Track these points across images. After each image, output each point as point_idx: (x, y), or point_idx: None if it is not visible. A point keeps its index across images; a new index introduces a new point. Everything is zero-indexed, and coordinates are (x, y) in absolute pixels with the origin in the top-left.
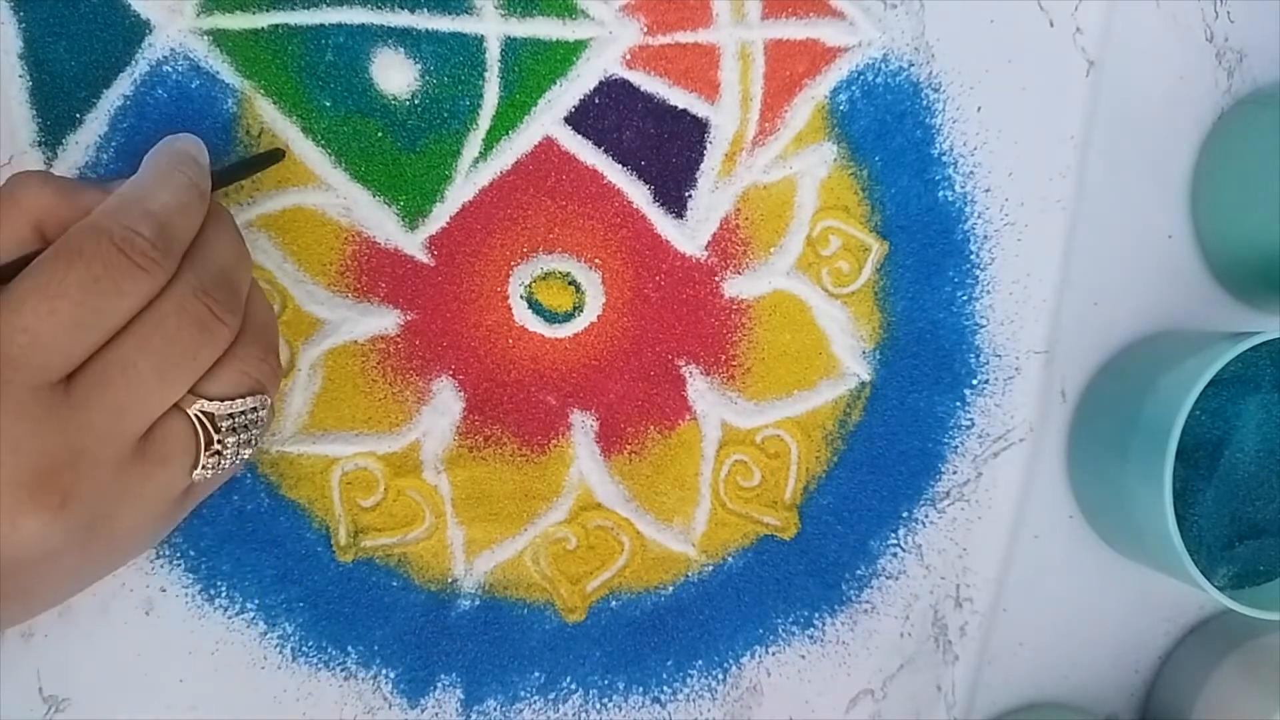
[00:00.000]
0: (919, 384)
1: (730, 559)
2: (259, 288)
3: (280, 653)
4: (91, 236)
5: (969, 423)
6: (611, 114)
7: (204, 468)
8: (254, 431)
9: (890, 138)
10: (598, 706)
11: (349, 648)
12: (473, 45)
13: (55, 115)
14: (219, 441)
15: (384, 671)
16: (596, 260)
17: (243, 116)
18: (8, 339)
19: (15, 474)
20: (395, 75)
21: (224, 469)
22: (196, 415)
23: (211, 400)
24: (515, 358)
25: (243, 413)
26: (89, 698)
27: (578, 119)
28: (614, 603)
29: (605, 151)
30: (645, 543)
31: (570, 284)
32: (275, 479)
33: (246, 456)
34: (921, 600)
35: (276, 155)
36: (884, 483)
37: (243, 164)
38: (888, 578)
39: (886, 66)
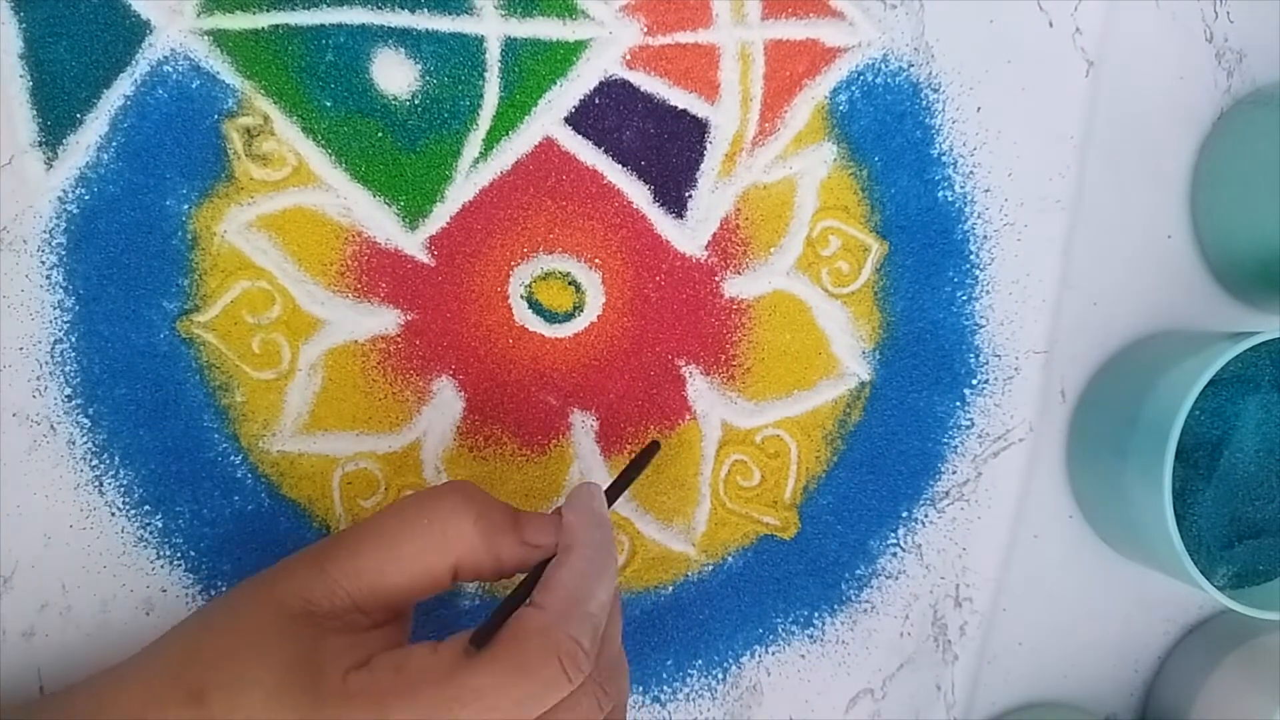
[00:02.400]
0: (919, 384)
1: (730, 559)
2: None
3: None
4: (541, 652)
5: (969, 422)
6: (611, 114)
7: None
8: None
9: (890, 138)
10: None
11: None
12: (473, 45)
13: (55, 115)
14: None
15: None
16: (596, 260)
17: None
18: None
19: None
20: (395, 75)
21: None
22: None
23: None
24: (515, 358)
25: None
26: None
27: (578, 119)
28: None
29: (605, 151)
30: (645, 542)
31: (570, 284)
32: (276, 479)
33: None
34: (921, 600)
35: (654, 448)
36: (884, 482)
37: (627, 473)
38: (887, 577)
39: (886, 67)
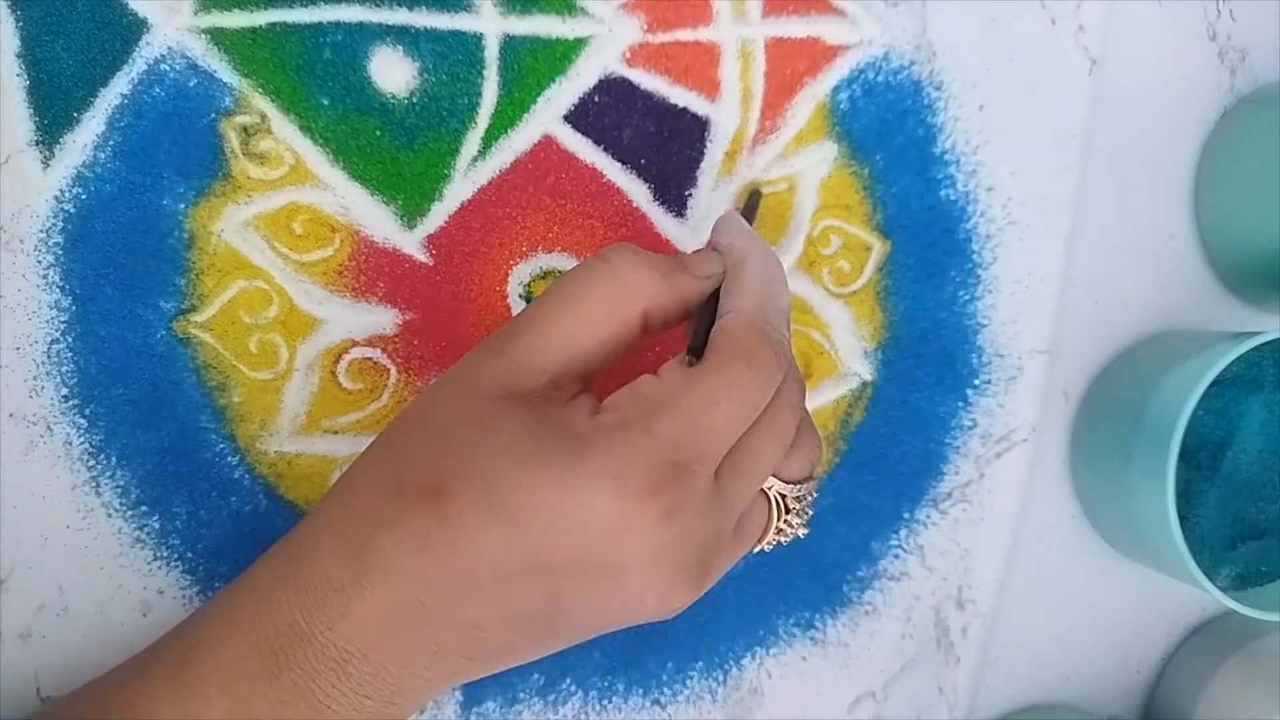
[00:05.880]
0: (921, 384)
1: None
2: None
3: None
4: (759, 341)
5: (971, 423)
6: (611, 112)
7: (765, 544)
8: (808, 514)
9: (891, 136)
10: (597, 708)
11: None
12: (471, 43)
13: (53, 114)
14: (784, 520)
15: None
16: None
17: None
18: (703, 437)
19: (684, 560)
20: (393, 73)
21: (778, 543)
22: (775, 496)
23: (786, 483)
24: None
25: (803, 496)
26: None
27: (577, 117)
28: None
29: (605, 150)
30: None
31: None
32: (273, 479)
33: (799, 534)
34: (923, 601)
35: (755, 199)
36: (886, 483)
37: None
38: (889, 579)
39: (888, 64)
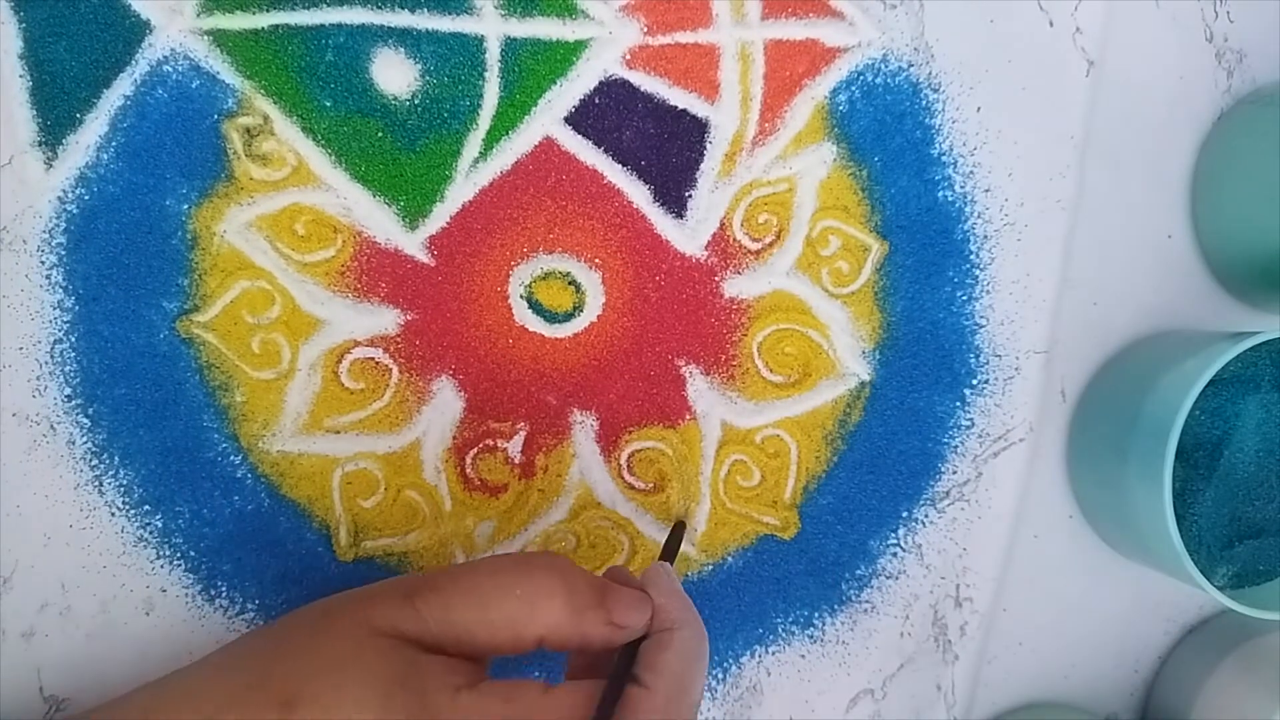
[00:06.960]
0: (919, 384)
1: (730, 558)
2: None
3: None
4: None
5: (969, 422)
6: (611, 114)
7: None
8: None
9: (890, 138)
10: None
11: None
12: (473, 45)
13: (55, 115)
14: None
15: None
16: (596, 260)
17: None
18: None
19: None
20: (395, 75)
21: None
22: None
23: None
24: (515, 357)
25: None
26: (89, 698)
27: (578, 119)
28: None
29: (605, 151)
30: (645, 542)
31: (570, 284)
32: (276, 479)
33: None
34: (921, 600)
35: (680, 529)
36: (884, 482)
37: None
38: (888, 577)
39: (886, 67)
